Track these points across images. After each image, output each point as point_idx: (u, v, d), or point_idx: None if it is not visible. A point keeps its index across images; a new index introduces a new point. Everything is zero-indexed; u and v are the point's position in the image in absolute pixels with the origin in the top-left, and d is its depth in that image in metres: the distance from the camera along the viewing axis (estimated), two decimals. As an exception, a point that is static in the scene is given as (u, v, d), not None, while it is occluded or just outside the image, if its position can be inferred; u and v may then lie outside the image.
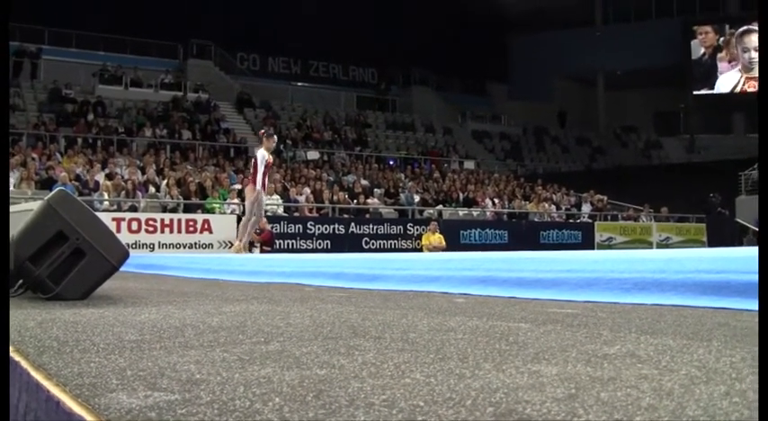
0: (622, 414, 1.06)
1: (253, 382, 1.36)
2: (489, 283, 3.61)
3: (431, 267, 4.80)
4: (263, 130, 10.62)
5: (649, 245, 18.89)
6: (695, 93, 33.56)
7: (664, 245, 19.11)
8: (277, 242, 13.79)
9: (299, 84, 31.29)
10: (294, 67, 31.84)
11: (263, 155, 9.27)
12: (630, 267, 3.57)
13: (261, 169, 9.18)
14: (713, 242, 18.81)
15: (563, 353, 1.65)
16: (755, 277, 2.62)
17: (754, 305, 2.42)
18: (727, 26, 33.14)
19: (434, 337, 1.98)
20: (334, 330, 2.21)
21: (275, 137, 10.31)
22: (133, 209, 13.81)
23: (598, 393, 1.20)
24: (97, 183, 14.51)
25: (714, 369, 1.42)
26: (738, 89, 32.69)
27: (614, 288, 2.99)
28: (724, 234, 19.18)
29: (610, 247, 17.82)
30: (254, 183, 9.36)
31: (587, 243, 17.86)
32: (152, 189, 15.00)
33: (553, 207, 20.15)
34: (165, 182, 15.14)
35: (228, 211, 14.57)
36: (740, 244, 19.10)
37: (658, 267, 3.48)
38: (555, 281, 3.37)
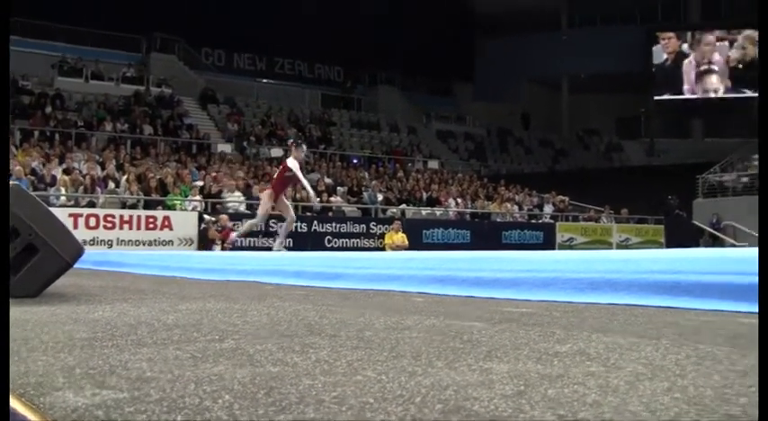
0: (567, 409, 1.08)
1: (204, 380, 1.35)
2: (448, 283, 3.64)
3: (391, 266, 4.81)
4: (291, 140, 11.15)
5: (609, 245, 19.24)
6: (656, 98, 34.33)
7: (623, 245, 19.48)
8: (238, 240, 13.66)
9: (264, 80, 31.09)
10: (259, 63, 31.61)
11: (294, 164, 9.62)
12: (588, 267, 3.64)
13: (300, 175, 9.71)
14: (671, 243, 19.26)
15: (515, 351, 1.67)
16: (705, 277, 2.70)
17: (702, 304, 2.49)
18: (689, 33, 34.02)
19: (389, 336, 1.99)
20: (290, 328, 2.21)
21: (304, 147, 10.77)
22: (91, 204, 13.52)
23: (545, 390, 1.22)
24: (54, 177, 14.17)
25: (660, 366, 1.45)
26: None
27: (570, 287, 3.04)
28: (681, 235, 19.66)
29: (571, 248, 18.09)
30: (274, 189, 9.80)
31: (549, 243, 18.10)
32: (111, 184, 14.72)
33: (515, 207, 20.38)
34: (124, 177, 14.86)
35: (190, 208, 14.38)
36: (697, 245, 19.59)
37: (615, 267, 3.55)
38: (513, 280, 3.41)
